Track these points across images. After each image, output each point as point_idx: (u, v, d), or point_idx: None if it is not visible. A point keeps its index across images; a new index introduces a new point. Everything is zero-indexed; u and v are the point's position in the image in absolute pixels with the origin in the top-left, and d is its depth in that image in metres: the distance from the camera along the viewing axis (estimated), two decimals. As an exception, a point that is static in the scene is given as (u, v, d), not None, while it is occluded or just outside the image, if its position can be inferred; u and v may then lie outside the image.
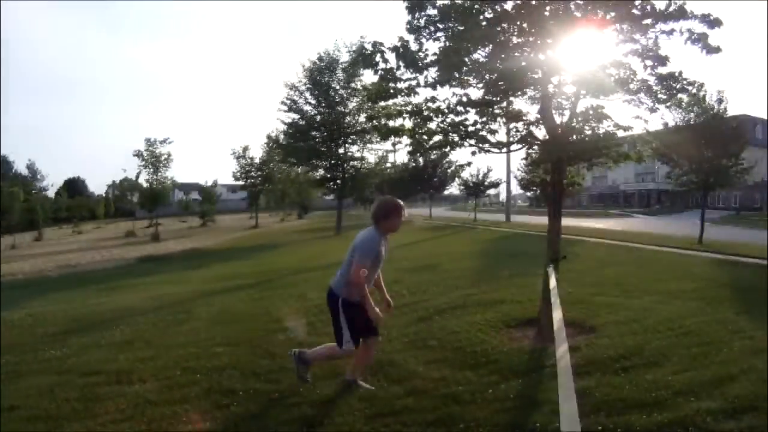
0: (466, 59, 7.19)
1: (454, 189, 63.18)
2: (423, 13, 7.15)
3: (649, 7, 6.87)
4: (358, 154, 35.32)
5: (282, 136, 36.44)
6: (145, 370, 6.43)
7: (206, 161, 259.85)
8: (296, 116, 33.70)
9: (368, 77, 28.55)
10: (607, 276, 12.85)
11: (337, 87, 32.86)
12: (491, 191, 58.24)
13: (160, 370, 6.36)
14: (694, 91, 8.12)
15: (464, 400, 5.19)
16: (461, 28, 7.10)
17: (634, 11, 6.94)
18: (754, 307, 9.09)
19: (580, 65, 7.50)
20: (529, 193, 59.54)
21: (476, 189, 52.78)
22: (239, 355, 6.91)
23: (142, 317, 9.51)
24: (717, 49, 6.70)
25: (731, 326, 7.74)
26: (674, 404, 4.96)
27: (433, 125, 7.85)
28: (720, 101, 23.17)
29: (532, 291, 9.50)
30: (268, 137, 44.46)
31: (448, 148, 8.06)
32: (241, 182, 54.94)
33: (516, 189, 56.00)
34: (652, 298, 9.79)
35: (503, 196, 65.29)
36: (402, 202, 5.57)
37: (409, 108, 7.77)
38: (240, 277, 14.74)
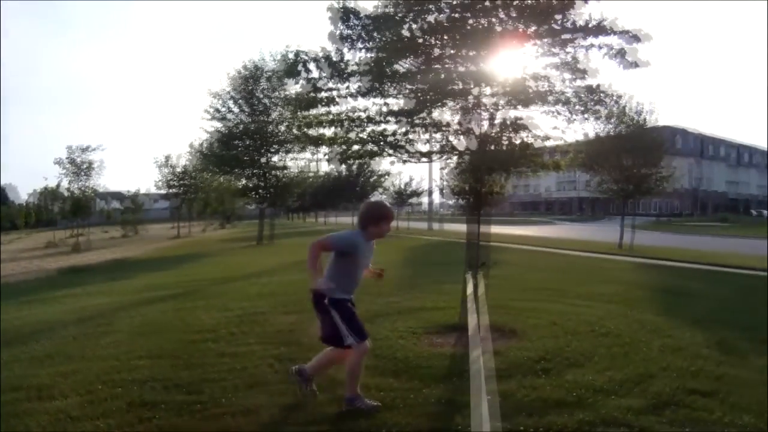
0: (388, 70, 7.25)
1: (377, 198, 63.37)
2: (346, 25, 7.17)
3: (569, 23, 7.08)
4: (280, 164, 35.10)
5: (205, 145, 35.89)
6: (66, 384, 6.20)
7: (128, 169, 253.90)
8: (219, 125, 33.31)
9: (293, 86, 28.39)
10: (529, 281, 13.14)
11: (261, 96, 32.62)
12: (413, 200, 58.55)
13: (81, 385, 6.15)
14: (613, 103, 8.40)
15: (386, 406, 5.21)
16: (384, 39, 7.16)
17: (554, 26, 7.13)
18: (673, 307, 9.53)
19: (501, 77, 7.66)
20: (451, 202, 60.09)
21: (399, 198, 52.97)
22: (161, 367, 6.74)
23: (62, 330, 9.17)
24: (634, 64, 6.98)
25: (650, 326, 8.07)
26: (595, 403, 5.11)
27: (353, 135, 7.88)
28: (639, 113, 24.08)
29: (452, 297, 9.58)
30: (191, 146, 43.77)
31: (368, 158, 8.08)
32: (162, 191, 53.65)
33: (438, 198, 56.55)
34: (573, 302, 10.10)
35: (426, 205, 65.82)
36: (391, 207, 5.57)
37: (329, 117, 7.79)
38: (162, 288, 14.41)
